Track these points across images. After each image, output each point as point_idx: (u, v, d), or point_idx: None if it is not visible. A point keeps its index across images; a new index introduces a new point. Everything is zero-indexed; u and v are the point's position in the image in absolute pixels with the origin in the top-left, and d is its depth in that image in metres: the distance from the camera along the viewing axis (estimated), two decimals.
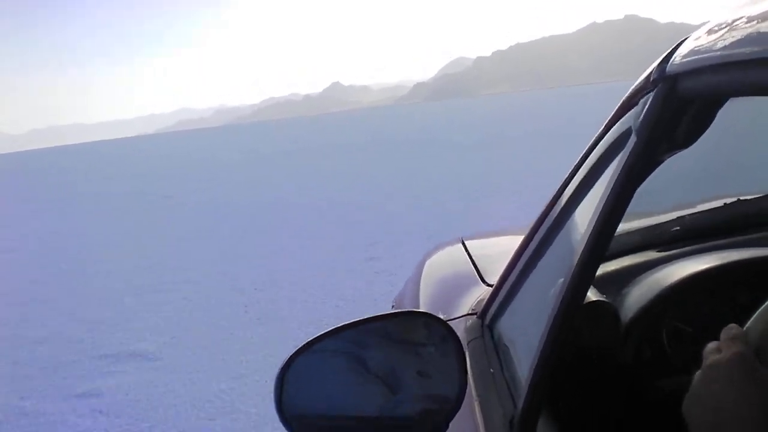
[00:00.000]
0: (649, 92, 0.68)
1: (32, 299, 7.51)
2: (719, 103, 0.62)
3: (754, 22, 0.49)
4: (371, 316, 0.93)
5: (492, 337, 1.20)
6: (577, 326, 1.09)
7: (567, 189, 0.96)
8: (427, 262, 2.00)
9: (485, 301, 1.28)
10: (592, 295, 1.12)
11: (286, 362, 0.85)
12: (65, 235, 12.60)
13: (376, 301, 5.49)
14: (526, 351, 0.94)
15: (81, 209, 16.63)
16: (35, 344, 5.79)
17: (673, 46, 0.67)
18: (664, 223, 1.36)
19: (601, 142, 0.85)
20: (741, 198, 1.38)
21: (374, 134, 32.93)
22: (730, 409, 0.58)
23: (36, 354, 5.53)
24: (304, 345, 0.87)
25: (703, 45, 0.58)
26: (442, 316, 1.04)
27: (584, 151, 0.91)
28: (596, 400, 1.16)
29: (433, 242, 2.25)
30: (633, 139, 0.71)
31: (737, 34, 0.51)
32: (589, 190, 0.89)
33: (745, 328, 0.64)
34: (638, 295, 1.15)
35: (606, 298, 1.13)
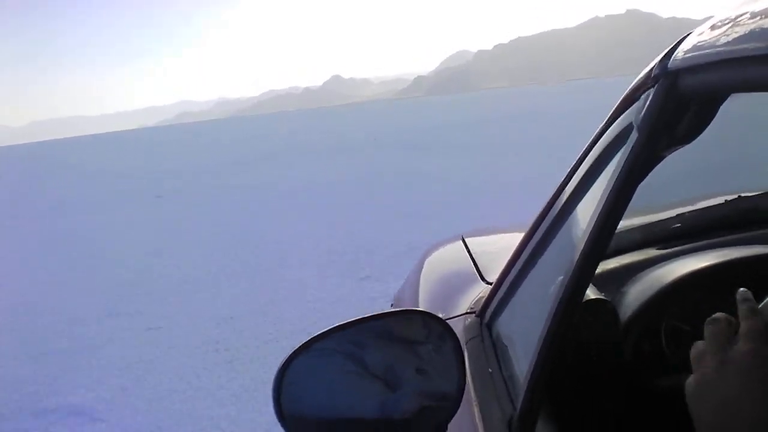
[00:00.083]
0: (651, 88, 0.68)
1: None
2: (721, 100, 0.62)
3: (757, 18, 0.48)
4: (370, 314, 0.92)
5: (491, 336, 1.20)
6: (576, 324, 1.09)
7: (568, 185, 0.96)
8: (427, 260, 2.00)
9: (484, 299, 1.27)
10: (591, 293, 1.12)
11: (285, 362, 0.85)
12: None
13: None
14: (525, 350, 0.94)
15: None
16: None
17: (675, 42, 0.66)
18: (665, 220, 1.36)
19: (602, 139, 0.84)
20: (742, 195, 1.37)
21: (370, 134, 31.23)
22: (745, 408, 0.54)
23: None
24: (302, 345, 0.87)
25: (705, 41, 0.57)
26: (441, 315, 1.03)
27: (585, 147, 0.90)
28: (595, 399, 1.16)
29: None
30: (634, 135, 0.71)
31: (739, 31, 0.50)
32: (590, 187, 0.88)
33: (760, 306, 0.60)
34: (637, 293, 1.15)
35: (605, 296, 1.13)
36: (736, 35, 0.51)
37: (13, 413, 4.19)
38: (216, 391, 4.12)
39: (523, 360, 0.96)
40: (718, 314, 0.59)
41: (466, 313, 1.36)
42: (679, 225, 1.34)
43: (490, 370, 1.09)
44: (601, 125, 0.85)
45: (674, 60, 0.64)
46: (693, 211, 1.37)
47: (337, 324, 0.90)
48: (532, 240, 1.08)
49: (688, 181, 1.59)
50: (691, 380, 0.59)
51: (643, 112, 0.68)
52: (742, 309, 0.56)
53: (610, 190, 0.75)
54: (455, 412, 0.90)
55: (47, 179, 26.93)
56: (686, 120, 0.64)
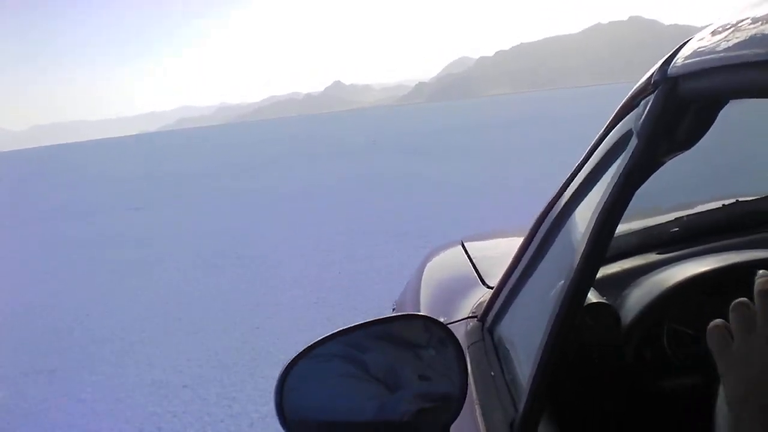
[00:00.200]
0: (651, 94, 0.68)
1: None
2: (720, 105, 0.62)
3: (757, 24, 0.49)
4: (372, 319, 0.93)
5: (492, 340, 1.20)
6: (578, 328, 1.10)
7: (567, 190, 0.96)
8: (428, 265, 2.01)
9: (485, 303, 1.28)
10: (592, 297, 1.12)
11: (287, 367, 0.85)
12: None
13: None
14: (527, 354, 0.94)
15: None
16: None
17: (675, 48, 0.67)
18: (664, 224, 1.37)
19: (602, 144, 0.85)
20: (740, 199, 1.38)
21: (370, 138, 30.36)
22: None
23: None
24: (304, 350, 0.87)
25: (704, 47, 0.58)
26: (442, 320, 1.04)
27: (585, 153, 0.91)
28: (597, 402, 1.16)
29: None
30: (634, 141, 0.71)
31: (739, 36, 0.50)
32: (589, 192, 0.89)
33: None
34: (638, 297, 1.15)
35: (606, 300, 1.14)
36: (735, 41, 0.51)
37: None
38: None
39: (525, 363, 0.96)
40: (742, 299, 0.60)
41: (468, 317, 1.36)
42: (678, 229, 1.35)
43: (492, 373, 1.10)
44: (601, 131, 0.85)
45: (674, 66, 0.64)
46: (692, 215, 1.38)
47: (339, 329, 0.90)
48: (532, 244, 1.08)
49: (687, 185, 1.60)
50: (723, 364, 0.61)
51: (642, 118, 0.69)
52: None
53: (610, 194, 0.75)
54: (457, 415, 0.91)
55: (34, 186, 26.35)
56: (685, 125, 0.64)
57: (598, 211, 0.77)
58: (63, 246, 10.48)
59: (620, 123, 0.78)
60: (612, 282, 1.22)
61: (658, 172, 0.72)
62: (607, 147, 0.82)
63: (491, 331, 1.22)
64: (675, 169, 0.77)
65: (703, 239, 1.31)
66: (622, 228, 0.89)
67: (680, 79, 0.63)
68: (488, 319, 1.24)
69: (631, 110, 0.74)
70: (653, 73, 0.68)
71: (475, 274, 1.65)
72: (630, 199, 0.75)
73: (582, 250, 0.79)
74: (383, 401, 0.91)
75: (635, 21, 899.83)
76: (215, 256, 8.19)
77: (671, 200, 1.52)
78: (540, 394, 0.86)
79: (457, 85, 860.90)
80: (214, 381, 4.27)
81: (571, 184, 0.95)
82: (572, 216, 0.94)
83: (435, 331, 0.94)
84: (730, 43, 0.52)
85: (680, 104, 0.64)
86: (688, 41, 0.65)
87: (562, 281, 0.84)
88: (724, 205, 1.36)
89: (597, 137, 0.87)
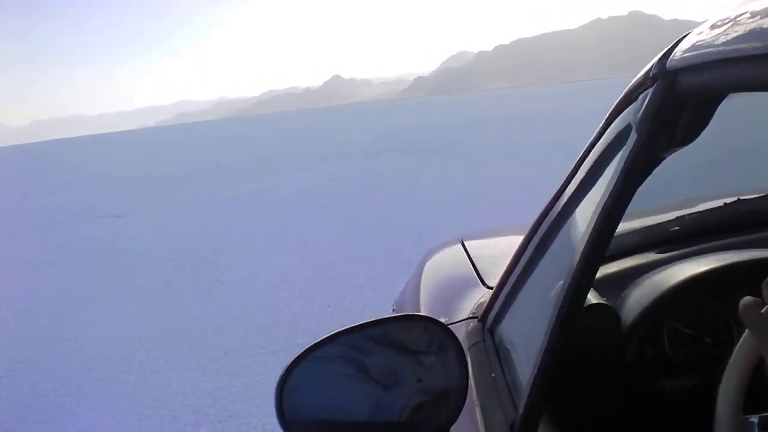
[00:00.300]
0: (649, 88, 0.68)
1: None
2: (719, 99, 0.62)
3: (755, 18, 0.48)
4: (372, 320, 0.92)
5: (493, 340, 1.20)
6: (579, 328, 1.09)
7: (568, 188, 0.96)
8: (427, 264, 2.00)
9: (486, 304, 1.27)
10: (592, 297, 1.12)
11: (287, 369, 0.85)
12: None
13: None
14: (528, 355, 0.94)
15: None
16: None
17: (674, 42, 0.66)
18: (664, 223, 1.36)
19: (601, 139, 0.84)
20: (741, 197, 1.37)
21: (369, 143, 27.11)
22: None
23: None
24: (304, 351, 0.87)
25: (703, 41, 0.57)
26: (442, 320, 1.03)
27: (585, 148, 0.90)
28: (598, 402, 1.16)
29: None
30: (633, 135, 0.70)
31: (738, 30, 0.50)
32: (589, 189, 0.88)
33: None
34: (638, 297, 1.15)
35: (606, 300, 1.13)
36: (734, 35, 0.51)
37: None
38: None
39: (525, 364, 0.96)
40: None
41: (468, 318, 1.36)
42: (678, 228, 1.34)
43: (493, 374, 1.09)
44: (600, 126, 0.85)
45: (672, 59, 0.64)
46: (692, 214, 1.37)
47: (339, 329, 0.90)
48: (531, 243, 1.08)
49: (687, 183, 1.60)
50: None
51: (641, 112, 0.68)
52: None
53: (610, 193, 0.74)
54: (458, 416, 0.91)
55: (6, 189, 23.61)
56: (684, 120, 0.64)
57: (599, 209, 0.77)
58: None
59: (619, 117, 0.78)
60: (612, 282, 1.21)
61: (658, 169, 0.71)
62: (607, 142, 0.81)
63: (492, 331, 1.22)
64: (675, 167, 0.76)
65: (704, 238, 1.30)
66: (622, 227, 0.88)
67: (679, 72, 0.62)
68: (488, 319, 1.24)
69: (630, 104, 0.74)
70: (651, 67, 0.68)
71: (475, 274, 1.64)
72: (630, 198, 0.74)
73: (582, 250, 0.79)
74: (383, 402, 0.91)
75: (635, 16, 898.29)
76: (186, 282, 6.83)
77: (672, 198, 1.51)
78: (540, 394, 0.86)
79: (457, 79, 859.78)
80: None
81: (572, 181, 0.94)
82: (572, 215, 0.94)
83: (436, 331, 0.94)
84: (729, 37, 0.51)
85: (679, 98, 0.63)
86: (686, 35, 0.64)
87: (562, 281, 0.84)
88: (725, 203, 1.36)
89: (596, 132, 0.86)
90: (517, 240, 1.16)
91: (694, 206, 1.41)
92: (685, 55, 0.61)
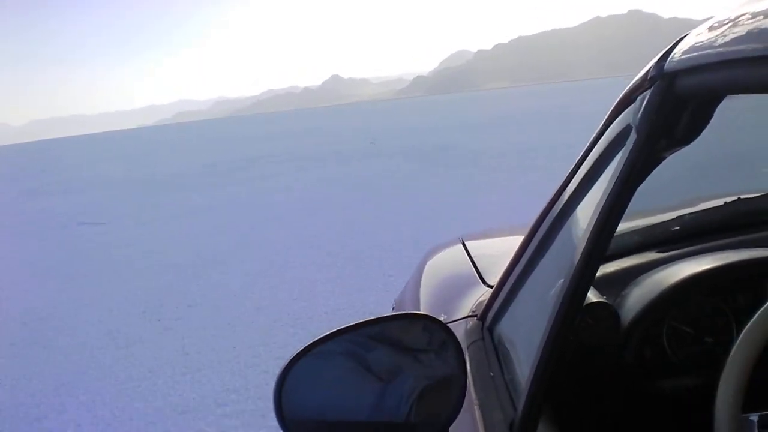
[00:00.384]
0: (648, 89, 0.68)
1: None
2: (718, 100, 0.62)
3: (754, 19, 0.48)
4: (372, 318, 0.92)
5: (492, 339, 1.20)
6: (578, 328, 1.09)
7: (568, 187, 0.96)
8: (428, 263, 2.00)
9: (485, 302, 1.27)
10: (592, 296, 1.12)
11: (286, 366, 0.85)
12: None
13: None
14: (527, 353, 0.94)
15: None
16: None
17: (672, 44, 0.66)
18: (664, 222, 1.36)
19: (601, 140, 0.84)
20: (741, 197, 1.37)
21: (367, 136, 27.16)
22: None
23: None
24: (303, 348, 0.87)
25: (702, 42, 0.57)
26: (442, 318, 1.03)
27: (585, 149, 0.90)
28: (597, 402, 1.16)
29: None
30: (633, 136, 0.71)
31: (737, 32, 0.50)
32: (589, 189, 0.88)
33: None
34: (638, 296, 1.15)
35: (606, 299, 1.13)
36: (733, 36, 0.50)
37: None
38: None
39: (524, 363, 0.96)
40: None
41: (468, 316, 1.36)
42: (678, 227, 1.34)
43: (491, 373, 1.09)
44: (600, 127, 0.85)
45: (671, 61, 0.64)
46: (693, 213, 1.37)
47: (339, 328, 0.90)
48: (531, 243, 1.08)
49: (687, 183, 1.60)
50: None
51: (640, 113, 0.68)
52: None
53: (610, 192, 0.75)
54: (457, 414, 0.91)
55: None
56: (684, 121, 0.64)
57: (599, 209, 0.77)
58: None
59: (618, 118, 0.78)
60: (612, 281, 1.21)
61: (658, 169, 0.71)
62: (607, 142, 0.81)
63: (491, 330, 1.22)
64: (675, 167, 0.76)
65: (705, 238, 1.30)
66: (622, 226, 0.88)
67: (677, 74, 0.62)
68: (488, 318, 1.24)
69: (629, 105, 0.74)
70: (650, 68, 0.68)
71: (475, 273, 1.64)
72: (631, 197, 0.74)
73: (582, 249, 0.79)
74: (382, 400, 0.91)
75: (634, 14, 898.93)
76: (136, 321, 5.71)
77: (672, 198, 1.51)
78: (539, 393, 0.86)
79: (456, 78, 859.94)
80: None
81: (572, 181, 0.95)
82: (573, 214, 0.94)
83: (435, 330, 0.94)
84: (728, 39, 0.51)
85: (678, 100, 0.63)
86: (685, 36, 0.65)
87: (562, 280, 0.84)
88: (726, 202, 1.36)
89: (596, 133, 0.86)
90: (517, 239, 1.16)
91: (694, 206, 1.41)
92: (683, 56, 0.61)
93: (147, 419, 3.79)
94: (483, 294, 1.41)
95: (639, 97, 0.70)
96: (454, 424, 0.91)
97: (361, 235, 8.12)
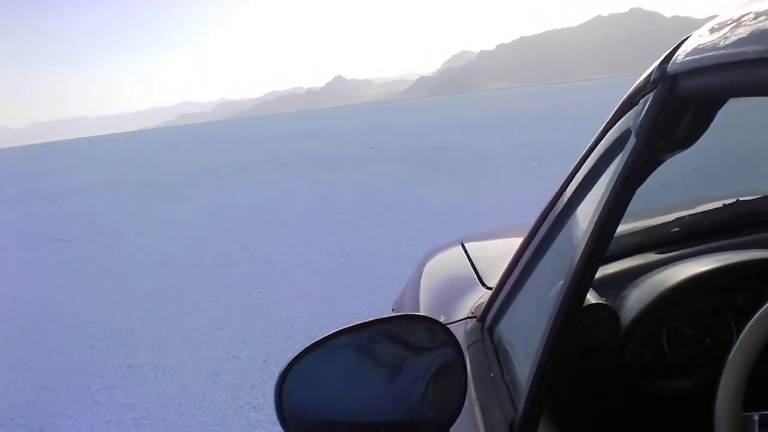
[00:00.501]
0: (650, 92, 0.68)
1: None
2: (719, 103, 0.62)
3: (756, 21, 0.48)
4: (371, 319, 0.93)
5: (492, 340, 1.20)
6: (578, 329, 1.10)
7: (567, 189, 0.96)
8: (427, 265, 2.01)
9: (485, 304, 1.28)
10: (591, 297, 1.12)
11: (286, 367, 0.86)
12: None
13: None
14: (527, 354, 0.94)
15: None
16: None
17: (674, 46, 0.67)
18: (664, 224, 1.36)
19: (601, 143, 0.84)
20: (741, 199, 1.37)
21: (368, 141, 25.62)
22: None
23: None
24: (303, 350, 0.88)
25: (703, 45, 0.57)
26: (442, 319, 1.04)
27: (584, 152, 0.91)
28: (597, 403, 1.16)
29: None
30: (633, 139, 0.71)
31: (738, 34, 0.50)
32: (588, 191, 0.88)
33: None
34: (638, 297, 1.15)
35: (606, 300, 1.14)
36: (734, 38, 0.50)
37: None
38: None
39: (524, 364, 0.96)
40: None
41: (468, 317, 1.36)
42: (678, 229, 1.35)
43: (491, 374, 1.10)
44: (600, 129, 0.85)
45: (673, 64, 0.64)
46: (692, 215, 1.38)
47: (339, 329, 0.90)
48: (531, 244, 1.08)
49: (687, 184, 1.60)
50: None
51: (641, 117, 0.68)
52: None
53: (609, 194, 0.75)
54: (457, 415, 0.91)
55: None
56: (685, 124, 0.64)
57: (598, 211, 0.77)
58: None
59: (619, 121, 0.78)
60: (611, 282, 1.21)
61: (657, 171, 0.71)
62: (606, 145, 0.82)
63: (491, 331, 1.22)
64: (675, 168, 0.77)
65: (704, 239, 1.30)
66: (621, 228, 0.88)
67: (679, 77, 0.62)
68: (488, 319, 1.24)
69: (630, 108, 0.74)
70: (652, 71, 0.68)
71: (475, 275, 1.65)
72: (630, 199, 0.74)
73: (582, 250, 0.79)
74: (382, 400, 0.91)
75: (636, 13, 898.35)
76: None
77: (671, 200, 1.52)
78: (539, 394, 0.86)
79: (459, 79, 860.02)
80: None
81: (571, 183, 0.95)
82: (572, 216, 0.94)
83: (434, 331, 0.94)
84: (730, 41, 0.51)
85: (679, 102, 0.63)
86: (687, 38, 0.65)
87: (562, 281, 0.84)
88: (725, 204, 1.36)
89: (596, 135, 0.87)
90: (517, 241, 1.17)
91: (693, 207, 1.42)
92: (685, 59, 0.61)
93: None
94: (482, 295, 1.41)
95: (641, 100, 0.70)
96: (454, 424, 0.91)
97: (349, 231, 8.17)
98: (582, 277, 0.80)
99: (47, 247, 10.22)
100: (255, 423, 3.63)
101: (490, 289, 1.32)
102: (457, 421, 0.91)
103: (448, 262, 1.95)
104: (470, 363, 1.13)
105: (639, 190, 0.74)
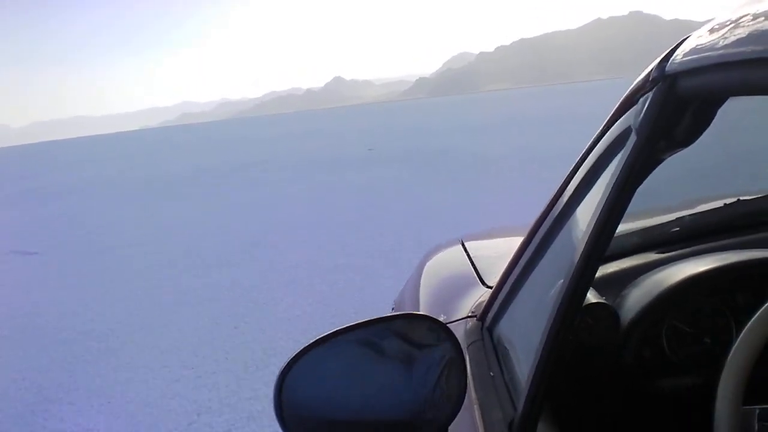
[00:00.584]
0: (649, 91, 0.68)
1: None
2: (719, 103, 0.62)
3: (755, 21, 0.49)
4: (371, 318, 0.93)
5: (492, 339, 1.20)
6: (578, 328, 1.10)
7: (567, 189, 0.96)
8: (427, 264, 2.01)
9: (485, 303, 1.28)
10: (591, 297, 1.12)
11: (286, 366, 0.86)
12: None
13: None
14: (526, 354, 0.94)
15: None
16: None
17: (674, 45, 0.67)
18: (664, 223, 1.36)
19: (600, 142, 0.85)
20: (741, 198, 1.37)
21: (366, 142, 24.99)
22: None
23: None
24: (303, 349, 0.88)
25: (703, 44, 0.57)
26: (442, 318, 1.04)
27: (584, 151, 0.91)
28: (596, 402, 1.16)
29: None
30: (633, 138, 0.71)
31: (738, 34, 0.50)
32: (589, 190, 0.89)
33: None
34: (638, 296, 1.15)
35: (606, 300, 1.14)
36: (734, 38, 0.51)
37: None
38: None
39: (524, 363, 0.96)
40: None
41: (467, 316, 1.36)
42: (678, 228, 1.35)
43: (491, 373, 1.10)
44: (600, 129, 0.85)
45: (672, 63, 0.64)
46: (692, 214, 1.38)
47: (339, 328, 0.90)
48: (531, 243, 1.08)
49: (687, 184, 1.60)
50: None
51: (641, 116, 0.68)
52: None
53: (609, 193, 0.75)
54: (456, 413, 0.91)
55: None
56: (684, 123, 0.64)
57: (599, 210, 0.77)
58: None
59: (619, 120, 0.78)
60: (611, 281, 1.22)
61: (657, 170, 0.72)
62: (606, 144, 0.82)
63: (490, 330, 1.22)
64: (675, 168, 0.77)
65: (704, 239, 1.30)
66: (621, 227, 0.88)
67: (679, 76, 0.63)
68: (487, 318, 1.24)
69: (630, 107, 0.74)
70: (652, 70, 0.68)
71: (475, 274, 1.65)
72: (630, 198, 0.74)
73: (582, 250, 0.79)
74: (382, 399, 0.91)
75: (635, 16, 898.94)
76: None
77: (672, 199, 1.52)
78: (539, 393, 0.86)
79: (458, 80, 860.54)
80: None
81: (571, 182, 0.95)
82: (572, 215, 0.94)
83: (435, 330, 0.94)
84: (729, 40, 0.51)
85: (679, 102, 0.63)
86: (686, 38, 0.65)
87: (562, 281, 0.84)
88: (725, 204, 1.36)
89: (596, 134, 0.87)
90: (517, 240, 1.17)
91: (693, 207, 1.42)
92: (685, 58, 0.61)
93: None
94: (482, 294, 1.41)
95: (641, 99, 0.70)
96: (453, 423, 0.91)
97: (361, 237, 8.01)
98: (582, 277, 0.80)
99: (47, 245, 10.30)
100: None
101: (490, 288, 1.32)
102: (456, 420, 0.91)
103: (448, 261, 1.95)
104: (470, 362, 1.13)
105: (639, 190, 0.74)
